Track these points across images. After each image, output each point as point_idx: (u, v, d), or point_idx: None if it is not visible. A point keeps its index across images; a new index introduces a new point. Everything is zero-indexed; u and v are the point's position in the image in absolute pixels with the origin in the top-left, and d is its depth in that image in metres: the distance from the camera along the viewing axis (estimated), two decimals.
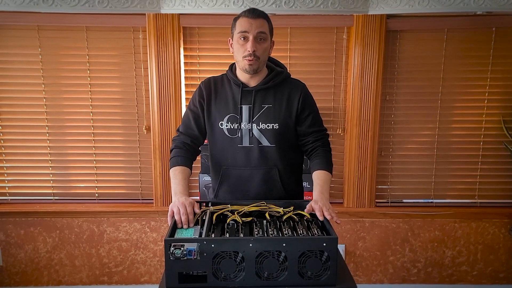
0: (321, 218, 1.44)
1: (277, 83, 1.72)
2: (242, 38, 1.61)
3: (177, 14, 2.51)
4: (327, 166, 1.71)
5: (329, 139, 1.81)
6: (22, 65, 2.64)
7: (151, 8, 2.48)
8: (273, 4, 2.42)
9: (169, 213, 1.45)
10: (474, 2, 2.40)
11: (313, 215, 1.52)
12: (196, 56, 2.65)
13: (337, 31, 2.62)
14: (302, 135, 1.75)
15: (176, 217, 1.41)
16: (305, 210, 1.51)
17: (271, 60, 1.80)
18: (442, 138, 2.74)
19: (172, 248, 1.19)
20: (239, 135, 1.69)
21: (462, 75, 2.67)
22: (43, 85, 2.66)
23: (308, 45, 2.64)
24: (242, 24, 1.61)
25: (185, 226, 1.39)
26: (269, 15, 1.70)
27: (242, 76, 1.71)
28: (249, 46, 1.60)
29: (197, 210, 1.47)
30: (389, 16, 2.55)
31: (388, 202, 2.81)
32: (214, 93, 1.74)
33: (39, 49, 2.61)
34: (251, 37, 1.60)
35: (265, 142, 1.69)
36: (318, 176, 1.67)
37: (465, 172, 2.79)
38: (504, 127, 2.67)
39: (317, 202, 1.50)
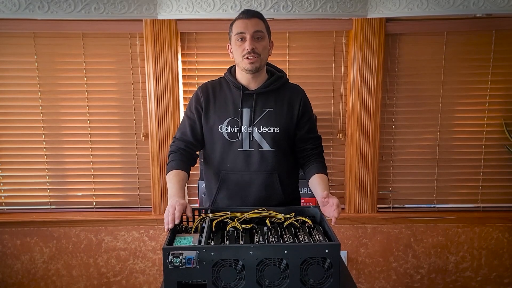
0: (333, 215, 1.41)
1: (277, 86, 1.72)
2: (239, 40, 1.62)
3: (175, 19, 2.49)
4: (326, 173, 1.71)
5: (330, 144, 1.80)
6: (18, 73, 2.61)
7: (148, 14, 2.46)
8: (271, 8, 2.40)
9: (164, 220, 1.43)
10: (474, 4, 2.38)
11: (314, 221, 1.49)
12: (194, 61, 2.63)
13: (336, 35, 2.60)
14: (300, 141, 1.74)
15: (165, 219, 1.40)
16: (321, 196, 1.45)
17: (270, 65, 1.81)
18: (444, 142, 2.72)
19: (171, 257, 1.16)
20: (239, 138, 1.67)
21: (462, 78, 2.65)
22: (39, 93, 2.63)
23: (307, 50, 2.62)
24: (238, 26, 1.63)
25: (170, 225, 1.36)
26: (267, 20, 1.69)
27: (242, 79, 1.70)
28: (247, 44, 1.60)
29: (189, 213, 1.45)
30: (388, 20, 2.53)
31: (390, 208, 2.78)
32: (213, 97, 1.72)
33: (35, 57, 2.59)
34: (248, 36, 1.61)
35: (265, 146, 1.68)
36: (323, 179, 1.65)
37: (468, 176, 2.76)
38: (506, 130, 2.65)
39: (334, 198, 1.44)
